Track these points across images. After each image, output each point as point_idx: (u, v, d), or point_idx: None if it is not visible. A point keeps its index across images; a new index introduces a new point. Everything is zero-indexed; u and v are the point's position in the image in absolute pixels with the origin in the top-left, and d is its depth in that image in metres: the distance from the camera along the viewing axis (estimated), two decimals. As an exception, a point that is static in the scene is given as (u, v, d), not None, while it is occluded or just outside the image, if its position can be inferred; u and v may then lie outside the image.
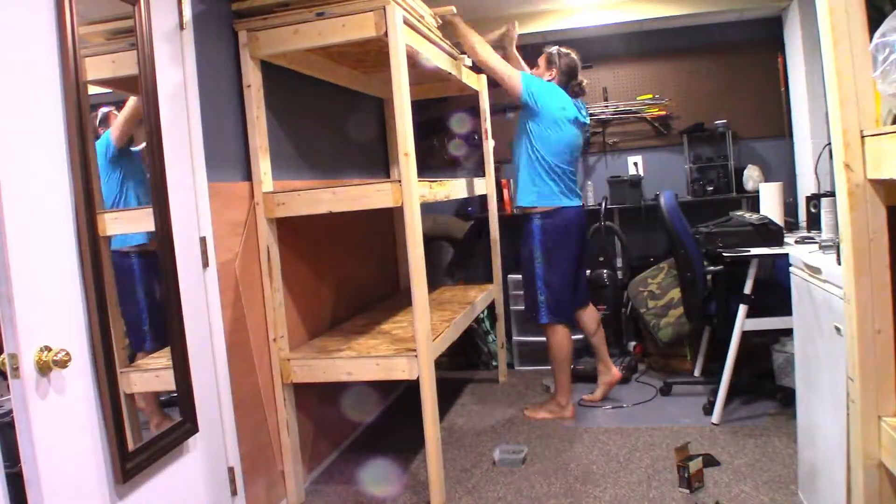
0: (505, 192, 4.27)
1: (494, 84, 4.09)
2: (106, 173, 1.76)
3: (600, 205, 4.12)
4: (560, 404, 3.26)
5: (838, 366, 1.65)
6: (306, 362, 2.50)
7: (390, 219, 3.91)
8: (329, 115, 3.26)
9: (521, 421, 3.27)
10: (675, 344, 3.74)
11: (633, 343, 4.05)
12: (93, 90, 1.61)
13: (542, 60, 3.25)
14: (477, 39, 3.10)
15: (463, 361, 4.27)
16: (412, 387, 2.47)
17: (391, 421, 3.45)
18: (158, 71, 1.85)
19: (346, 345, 2.65)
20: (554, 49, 3.23)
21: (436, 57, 2.90)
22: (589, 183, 4.40)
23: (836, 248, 1.76)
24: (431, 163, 4.43)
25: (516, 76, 3.09)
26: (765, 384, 3.31)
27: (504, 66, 3.10)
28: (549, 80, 3.18)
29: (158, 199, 1.84)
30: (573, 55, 3.22)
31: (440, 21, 3.06)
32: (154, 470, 1.75)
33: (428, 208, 3.86)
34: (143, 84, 1.79)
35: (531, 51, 4.36)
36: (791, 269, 2.20)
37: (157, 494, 1.76)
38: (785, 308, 2.27)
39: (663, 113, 4.28)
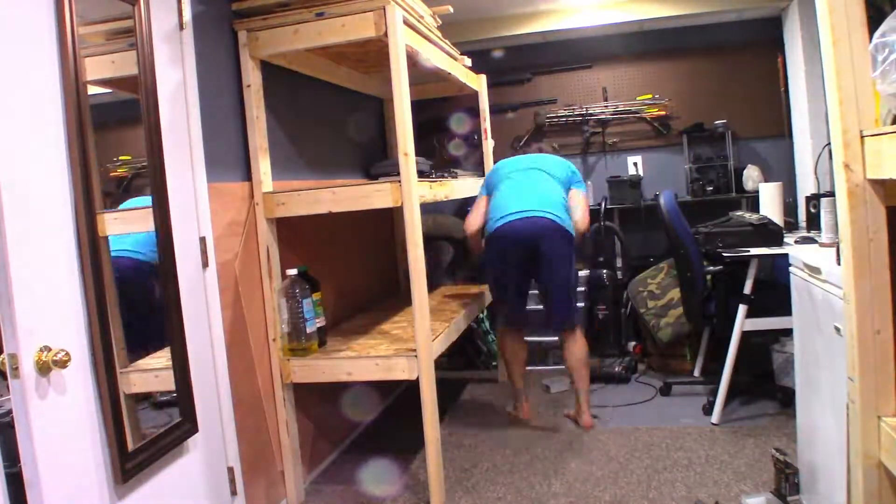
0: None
1: (493, 84, 4.12)
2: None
3: (600, 205, 4.12)
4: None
5: (838, 366, 1.65)
6: (306, 362, 2.50)
7: (390, 219, 3.91)
8: (329, 115, 3.26)
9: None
10: (675, 344, 3.74)
11: (632, 343, 4.05)
12: (93, 90, 1.61)
13: None
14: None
15: (463, 361, 4.27)
16: (412, 387, 2.47)
17: (391, 421, 3.45)
18: (158, 71, 1.85)
19: (346, 345, 2.65)
20: None
21: (436, 57, 2.90)
22: (588, 183, 4.39)
23: (836, 248, 1.76)
24: (431, 163, 4.43)
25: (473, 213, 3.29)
26: (765, 384, 3.31)
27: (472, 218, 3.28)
28: None
29: (158, 199, 1.84)
30: None
31: (440, 21, 3.06)
32: (154, 470, 1.75)
33: (428, 208, 3.86)
34: (142, 84, 1.79)
35: (532, 50, 4.38)
36: (791, 269, 2.20)
37: (156, 494, 1.76)
38: (785, 308, 2.26)
39: (663, 113, 4.28)
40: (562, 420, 3.24)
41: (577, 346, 3.09)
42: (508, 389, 3.81)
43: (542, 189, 3.12)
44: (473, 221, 3.26)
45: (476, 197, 3.35)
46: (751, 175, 4.01)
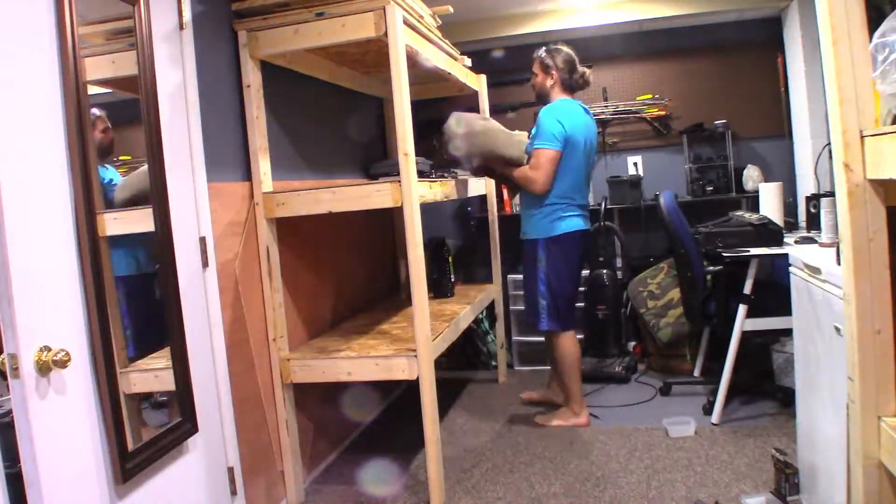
0: (505, 192, 4.26)
1: (493, 84, 4.11)
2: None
3: (600, 205, 4.12)
4: (574, 412, 3.15)
5: (838, 366, 1.65)
6: (306, 362, 2.50)
7: (390, 219, 3.91)
8: (329, 115, 3.26)
9: (522, 421, 3.27)
10: (675, 344, 3.74)
11: (632, 343, 4.05)
12: (93, 90, 1.61)
13: (537, 69, 3.10)
14: (522, 176, 3.00)
15: (463, 361, 4.27)
16: (412, 387, 2.47)
17: (391, 421, 3.45)
18: (158, 71, 1.85)
19: (346, 345, 2.65)
20: (542, 51, 3.08)
21: (436, 57, 2.90)
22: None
23: (836, 248, 1.76)
24: (431, 162, 4.43)
25: (547, 155, 2.92)
26: (765, 384, 3.31)
27: (538, 170, 2.94)
28: (552, 85, 3.06)
29: (158, 199, 1.84)
30: (565, 48, 3.07)
31: (440, 21, 3.06)
32: (154, 470, 1.75)
33: (428, 208, 3.86)
34: (142, 84, 1.79)
35: (531, 50, 4.37)
36: (791, 269, 2.20)
37: (156, 494, 1.76)
38: (785, 308, 2.27)
39: (663, 113, 4.28)
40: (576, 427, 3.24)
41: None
42: (511, 390, 3.80)
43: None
44: (546, 182, 2.92)
45: (534, 145, 2.95)
46: (751, 175, 4.01)
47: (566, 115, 2.95)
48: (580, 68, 3.07)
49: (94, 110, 1.76)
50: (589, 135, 3.05)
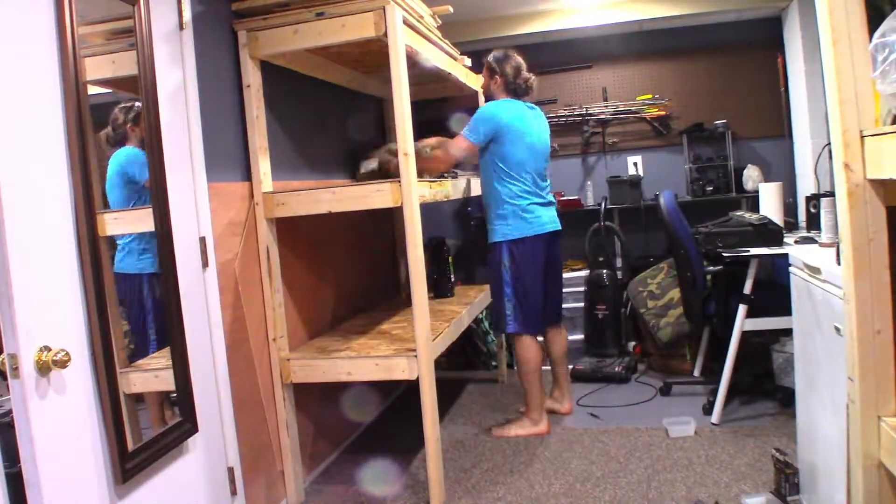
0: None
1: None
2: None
3: (600, 205, 4.12)
4: (533, 419, 3.09)
5: (838, 366, 1.65)
6: (306, 362, 2.50)
7: (390, 219, 3.91)
8: (329, 114, 3.26)
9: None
10: (675, 344, 3.74)
11: (632, 343, 4.05)
12: (93, 90, 1.61)
13: (484, 73, 3.17)
14: (427, 156, 2.94)
15: (462, 361, 4.27)
16: (412, 387, 2.47)
17: (391, 421, 3.45)
18: (158, 71, 1.85)
19: (346, 345, 2.65)
20: (491, 56, 3.13)
21: (435, 57, 2.90)
22: (588, 183, 4.40)
23: (836, 248, 1.76)
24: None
25: (460, 142, 2.97)
26: (765, 384, 3.31)
27: (449, 148, 2.97)
28: (496, 88, 3.11)
29: (158, 199, 1.84)
30: (515, 56, 3.12)
31: (440, 21, 3.06)
32: (154, 470, 1.75)
33: (428, 208, 3.86)
34: (142, 84, 1.79)
35: (532, 50, 4.38)
36: (791, 269, 2.20)
37: (156, 494, 1.76)
38: (785, 308, 2.27)
39: (663, 113, 4.28)
40: (559, 419, 3.24)
41: (564, 337, 3.33)
42: (510, 390, 3.80)
43: (546, 163, 3.15)
44: (447, 161, 3.00)
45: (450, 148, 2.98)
46: (751, 175, 4.02)
47: (503, 109, 3.00)
48: (525, 74, 3.11)
49: (138, 104, 1.78)
50: (538, 129, 3.09)
